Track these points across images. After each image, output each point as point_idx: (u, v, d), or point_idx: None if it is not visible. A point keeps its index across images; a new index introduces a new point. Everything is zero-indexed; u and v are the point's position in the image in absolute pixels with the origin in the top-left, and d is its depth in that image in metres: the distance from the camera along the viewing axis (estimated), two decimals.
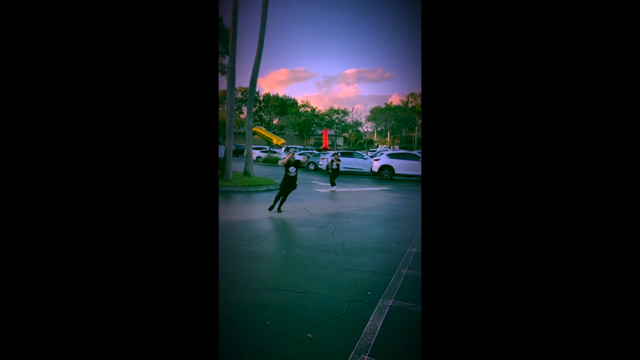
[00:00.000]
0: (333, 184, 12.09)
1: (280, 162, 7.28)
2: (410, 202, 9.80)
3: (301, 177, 15.98)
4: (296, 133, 46.73)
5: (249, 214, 7.62)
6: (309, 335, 2.69)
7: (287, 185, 7.58)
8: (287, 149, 7.86)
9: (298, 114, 45.72)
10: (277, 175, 15.73)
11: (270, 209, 7.63)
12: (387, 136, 57.41)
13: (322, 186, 12.67)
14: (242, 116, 41.25)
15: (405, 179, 16.34)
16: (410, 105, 56.86)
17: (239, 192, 11.05)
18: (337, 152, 16.80)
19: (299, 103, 48.09)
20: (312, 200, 9.58)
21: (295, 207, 8.40)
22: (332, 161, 12.41)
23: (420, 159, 15.95)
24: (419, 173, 15.60)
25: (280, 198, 7.61)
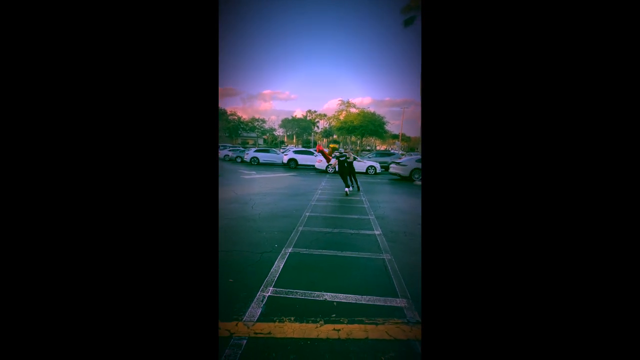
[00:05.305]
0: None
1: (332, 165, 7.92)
2: (307, 183, 10.06)
3: (230, 167, 15.00)
4: (227, 135, 43.90)
5: None
6: (230, 280, 2.60)
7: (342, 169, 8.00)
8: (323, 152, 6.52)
9: (228, 120, 43.02)
10: None
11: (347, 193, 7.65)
12: (293, 139, 57.60)
13: (246, 173, 12.10)
14: None
15: (305, 167, 16.75)
16: (308, 118, 57.73)
17: None
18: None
19: (228, 112, 45.13)
20: (239, 184, 9.11)
21: (225, 189, 7.88)
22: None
23: (314, 154, 16.47)
24: (313, 164, 16.13)
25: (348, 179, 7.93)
